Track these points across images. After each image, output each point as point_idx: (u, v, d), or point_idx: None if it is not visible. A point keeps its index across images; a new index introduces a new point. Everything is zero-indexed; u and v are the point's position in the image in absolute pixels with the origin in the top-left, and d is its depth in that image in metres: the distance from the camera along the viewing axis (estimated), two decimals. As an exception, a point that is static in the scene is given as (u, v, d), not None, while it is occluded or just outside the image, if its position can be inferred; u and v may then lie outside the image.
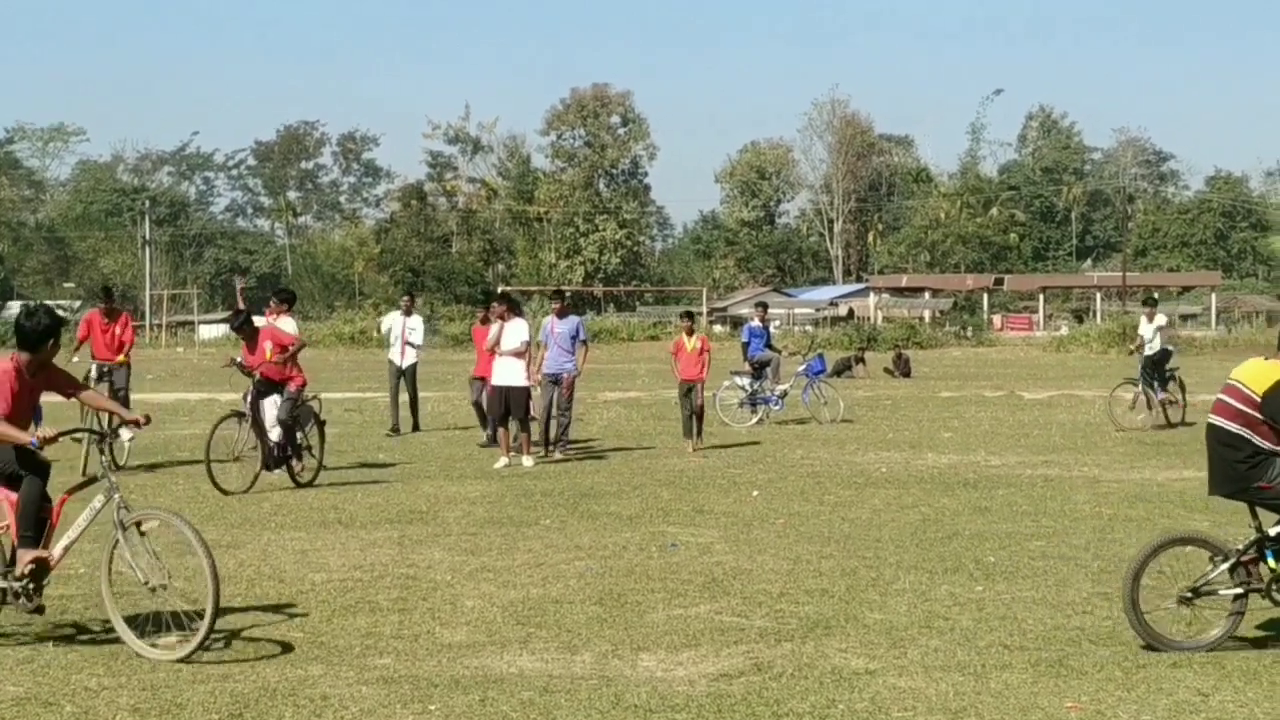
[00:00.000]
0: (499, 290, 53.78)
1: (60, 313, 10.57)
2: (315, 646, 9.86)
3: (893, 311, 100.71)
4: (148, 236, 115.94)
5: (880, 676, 9.03)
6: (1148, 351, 28.37)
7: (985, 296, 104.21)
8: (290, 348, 19.35)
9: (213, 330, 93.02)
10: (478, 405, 25.22)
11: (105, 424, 17.09)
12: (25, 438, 9.69)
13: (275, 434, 18.97)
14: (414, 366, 27.36)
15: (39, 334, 9.98)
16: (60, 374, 10.42)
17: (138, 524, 9.77)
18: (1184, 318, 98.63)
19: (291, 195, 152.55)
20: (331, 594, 11.65)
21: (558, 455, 22.42)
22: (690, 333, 24.85)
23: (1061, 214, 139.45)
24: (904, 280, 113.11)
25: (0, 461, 9.88)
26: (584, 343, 23.50)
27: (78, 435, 11.18)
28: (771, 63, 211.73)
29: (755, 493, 18.18)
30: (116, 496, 9.78)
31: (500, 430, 21.76)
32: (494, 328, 22.01)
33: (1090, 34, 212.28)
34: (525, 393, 21.60)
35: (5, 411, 9.75)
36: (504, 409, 21.50)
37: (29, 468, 9.86)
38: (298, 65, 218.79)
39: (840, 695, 8.60)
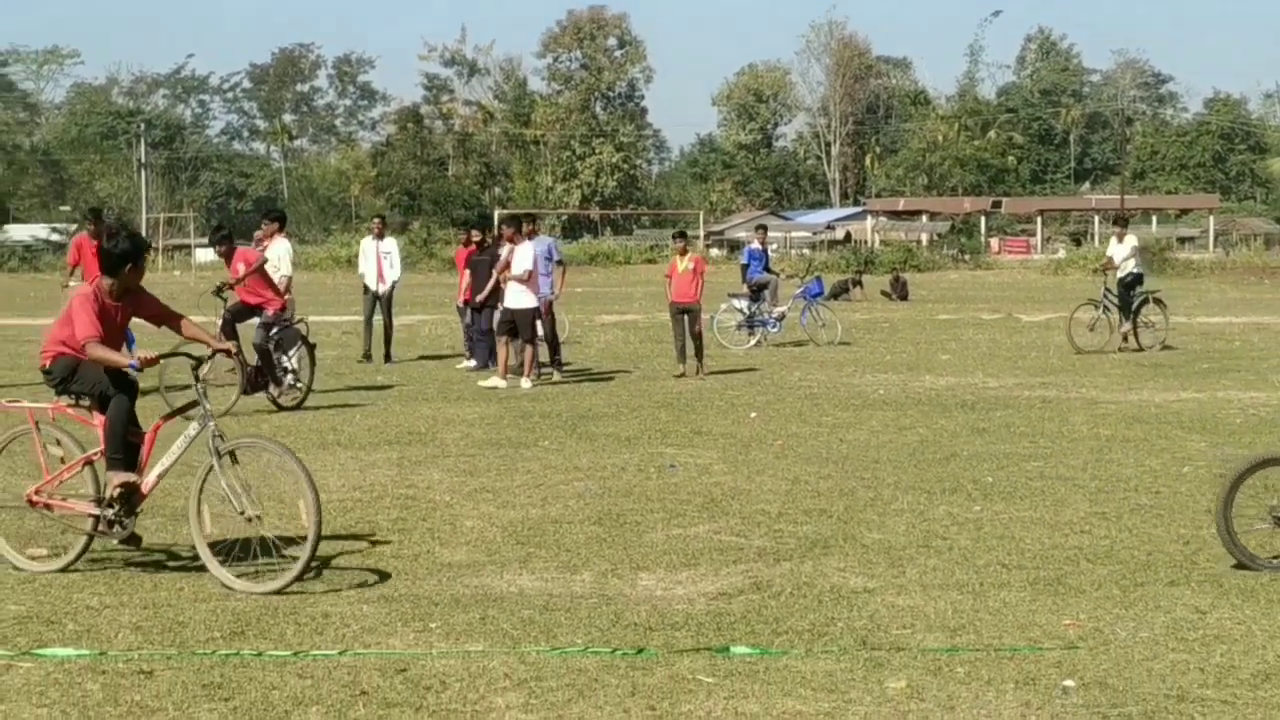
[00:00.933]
0: (507, 214, 53.34)
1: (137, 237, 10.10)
2: (315, 566, 9.88)
3: (890, 234, 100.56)
4: (143, 159, 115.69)
5: (879, 595, 9.06)
6: (1120, 274, 27.72)
7: (983, 219, 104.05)
8: (252, 265, 19.13)
9: (209, 254, 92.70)
10: (467, 330, 24.94)
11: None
12: (124, 360, 9.57)
13: (254, 359, 18.81)
14: (390, 292, 25.64)
15: (117, 257, 9.78)
16: (151, 301, 10.23)
17: (232, 452, 9.52)
18: (1182, 240, 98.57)
19: (287, 118, 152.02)
20: (331, 514, 11.64)
21: (556, 377, 22.41)
22: (683, 253, 24.07)
23: (1060, 136, 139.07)
24: (901, 203, 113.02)
25: (91, 384, 9.73)
26: (559, 263, 23.29)
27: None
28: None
29: (753, 414, 18.20)
30: (211, 424, 9.54)
31: (501, 351, 21.68)
32: (504, 251, 21.92)
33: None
34: (532, 314, 21.53)
35: (98, 334, 9.56)
36: (512, 330, 21.46)
37: (119, 388, 9.72)
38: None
39: (839, 613, 8.63)
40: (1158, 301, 28.20)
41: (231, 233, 20.67)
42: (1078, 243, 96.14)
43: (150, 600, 8.97)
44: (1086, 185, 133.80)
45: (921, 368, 24.51)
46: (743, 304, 29.15)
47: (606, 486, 12.96)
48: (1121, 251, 27.98)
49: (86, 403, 9.89)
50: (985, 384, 21.83)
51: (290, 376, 19.28)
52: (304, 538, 9.25)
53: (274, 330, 19.01)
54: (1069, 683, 7.24)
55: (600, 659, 7.69)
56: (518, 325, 21.40)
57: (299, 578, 9.16)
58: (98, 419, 9.77)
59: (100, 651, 7.86)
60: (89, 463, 9.88)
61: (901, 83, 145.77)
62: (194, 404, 9.82)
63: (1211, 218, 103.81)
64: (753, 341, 28.70)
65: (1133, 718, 6.76)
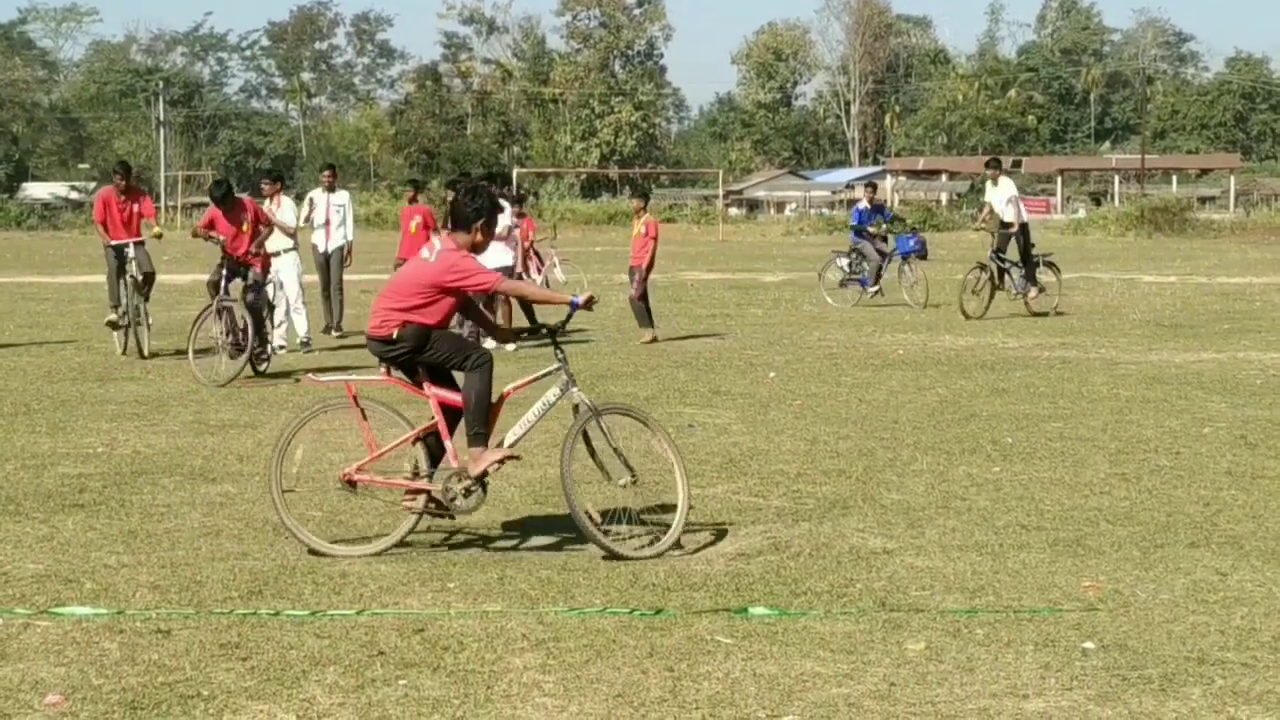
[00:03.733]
0: (509, 173, 53.24)
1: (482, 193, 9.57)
2: (333, 525, 9.87)
3: (909, 194, 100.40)
4: (162, 117, 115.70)
5: (898, 556, 9.03)
6: (1007, 218, 26.06)
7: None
8: (264, 228, 18.93)
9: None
10: None
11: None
12: (563, 298, 9.52)
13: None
14: (340, 251, 23.59)
15: (470, 212, 9.34)
16: None
17: (599, 416, 9.36)
18: (1202, 200, 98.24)
19: (305, 76, 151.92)
20: (349, 473, 11.63)
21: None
22: (638, 214, 22.83)
23: (1080, 96, 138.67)
24: (921, 163, 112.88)
25: (447, 352, 9.31)
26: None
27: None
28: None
29: (772, 374, 18.16)
30: (574, 390, 9.36)
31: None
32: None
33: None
34: (504, 273, 21.20)
35: (496, 273, 9.65)
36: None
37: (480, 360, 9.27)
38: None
39: (858, 574, 8.60)
40: (1049, 264, 27.22)
41: (233, 186, 20.41)
42: (1098, 202, 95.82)
43: (168, 559, 8.97)
44: (1107, 145, 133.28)
45: (940, 328, 24.43)
46: (844, 262, 29.37)
47: (624, 446, 12.89)
48: (998, 197, 26.47)
49: (417, 375, 9.40)
50: (1004, 344, 21.76)
51: (270, 344, 18.84)
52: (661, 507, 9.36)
53: (258, 292, 18.45)
54: (1089, 644, 7.21)
55: (618, 619, 7.68)
56: None
57: (675, 543, 9.18)
58: (430, 390, 9.34)
59: (118, 610, 7.86)
60: (420, 439, 9.40)
61: (921, 41, 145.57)
62: (550, 371, 9.57)
63: (1232, 178, 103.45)
64: (864, 296, 28.97)
65: (1153, 680, 6.72)
